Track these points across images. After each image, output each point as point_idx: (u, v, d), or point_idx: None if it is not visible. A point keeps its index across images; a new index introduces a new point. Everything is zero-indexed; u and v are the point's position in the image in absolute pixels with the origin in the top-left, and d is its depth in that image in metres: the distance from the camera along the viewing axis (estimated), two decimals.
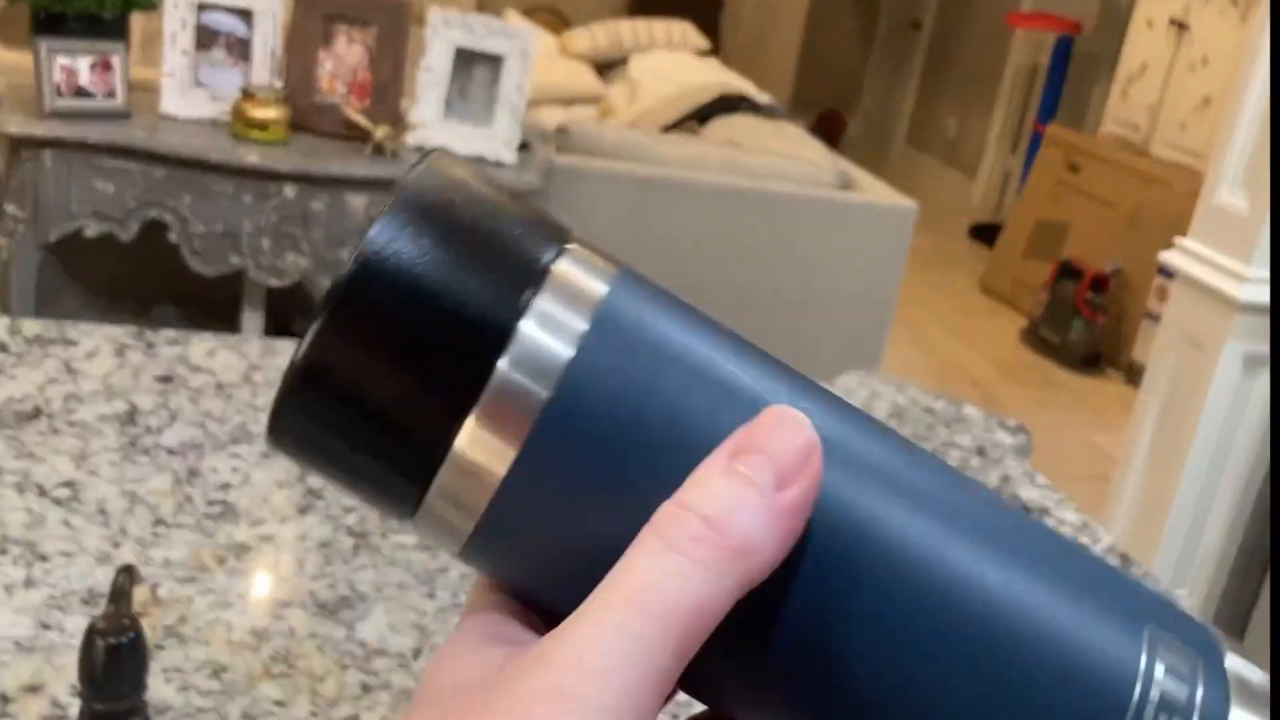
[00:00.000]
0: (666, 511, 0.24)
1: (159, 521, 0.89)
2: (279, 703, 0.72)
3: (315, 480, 0.99)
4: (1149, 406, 2.34)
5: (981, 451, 1.28)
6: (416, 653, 0.79)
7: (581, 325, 0.24)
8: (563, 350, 0.24)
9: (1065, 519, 1.15)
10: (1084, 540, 1.10)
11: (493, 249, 0.24)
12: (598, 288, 0.25)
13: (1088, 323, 4.56)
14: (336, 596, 0.84)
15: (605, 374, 0.24)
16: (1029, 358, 4.63)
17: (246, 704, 0.72)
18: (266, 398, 1.12)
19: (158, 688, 0.72)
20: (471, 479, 0.24)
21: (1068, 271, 4.65)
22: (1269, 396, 2.16)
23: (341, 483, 0.26)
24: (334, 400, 0.24)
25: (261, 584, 0.84)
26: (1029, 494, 1.19)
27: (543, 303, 0.24)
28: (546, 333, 0.24)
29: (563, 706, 0.22)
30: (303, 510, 0.94)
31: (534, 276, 0.24)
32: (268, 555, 0.88)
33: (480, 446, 0.24)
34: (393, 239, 0.23)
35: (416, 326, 0.23)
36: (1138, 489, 2.32)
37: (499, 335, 0.23)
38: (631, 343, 0.24)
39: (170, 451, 0.99)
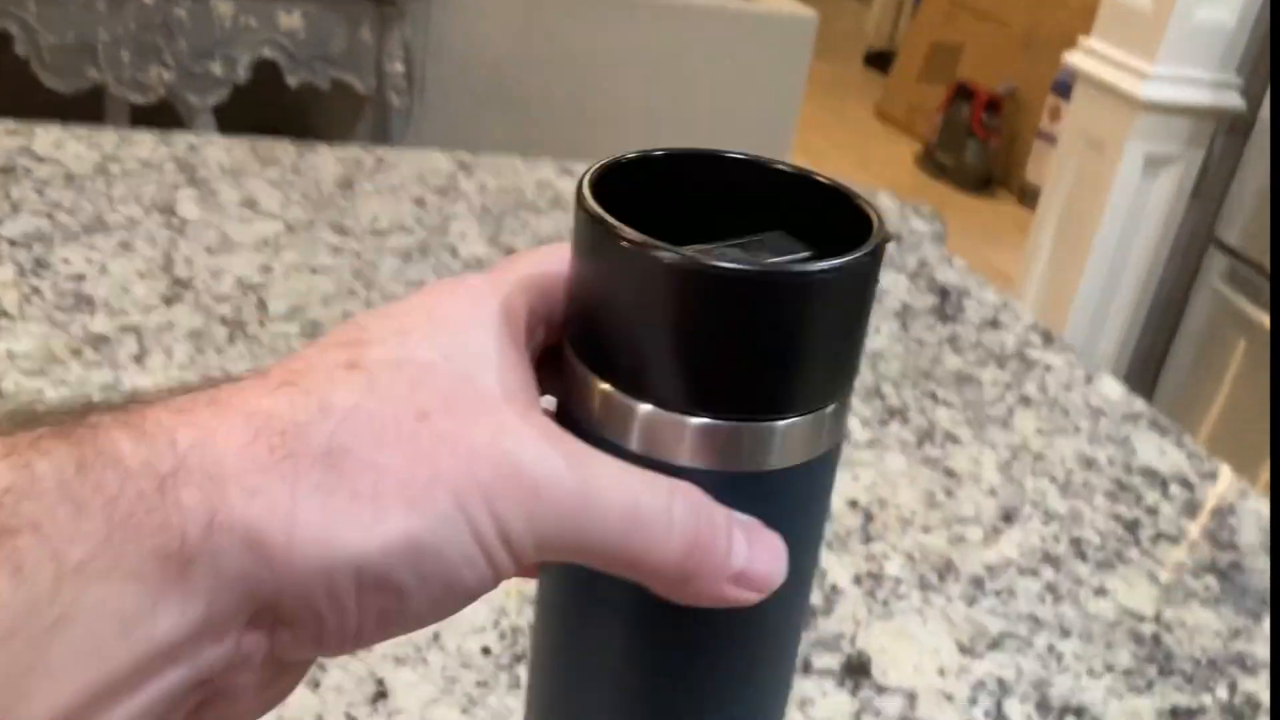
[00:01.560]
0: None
1: (1, 314, 0.79)
2: None
3: (182, 269, 0.89)
4: (1050, 212, 2.32)
5: (897, 238, 1.23)
6: None
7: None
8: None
9: (986, 299, 1.10)
10: (1003, 319, 1.06)
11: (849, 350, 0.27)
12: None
13: (982, 144, 4.55)
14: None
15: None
16: (925, 182, 4.61)
17: None
18: (125, 188, 1.00)
19: None
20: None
21: (962, 94, 4.61)
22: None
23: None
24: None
25: (123, 376, 0.75)
26: (947, 277, 1.15)
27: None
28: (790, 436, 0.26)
29: None
30: (169, 300, 0.85)
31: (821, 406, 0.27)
32: (129, 346, 0.78)
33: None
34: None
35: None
36: (1040, 296, 2.32)
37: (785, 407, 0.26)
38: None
39: (12, 243, 0.88)
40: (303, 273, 0.92)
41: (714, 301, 0.24)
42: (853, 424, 0.85)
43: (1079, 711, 0.61)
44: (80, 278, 0.85)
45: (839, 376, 0.26)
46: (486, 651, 0.58)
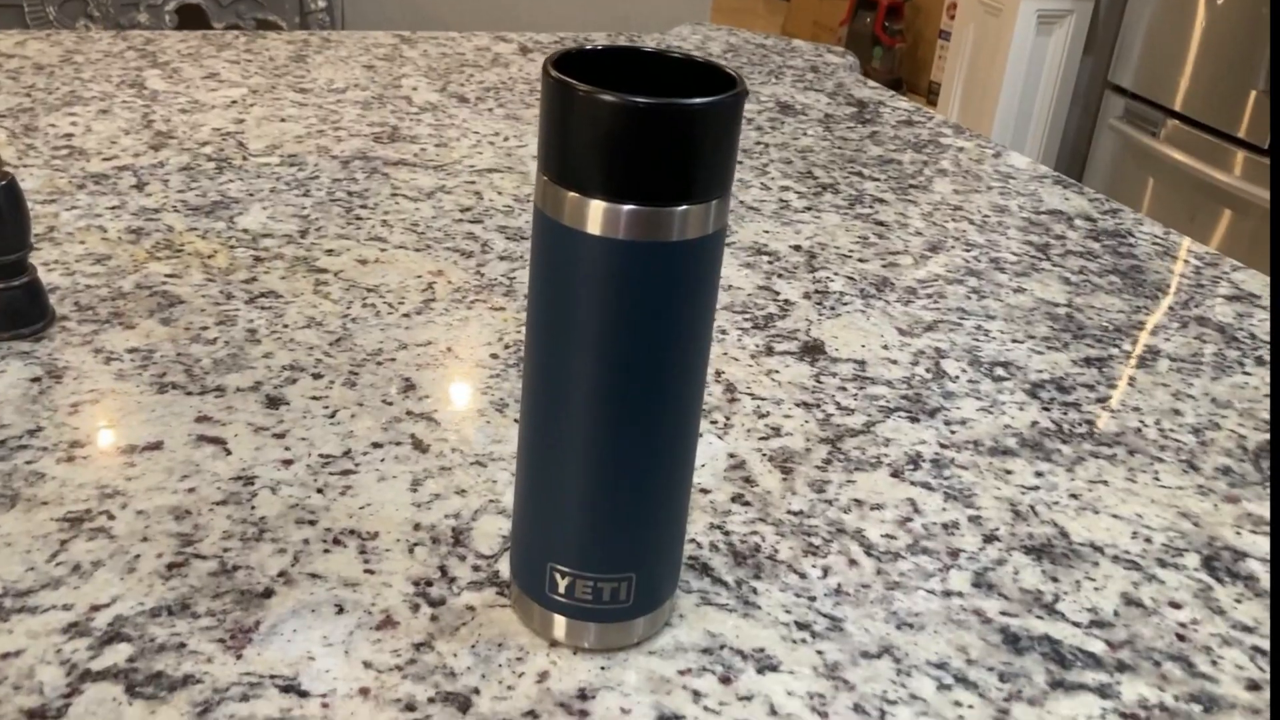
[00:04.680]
0: None
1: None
2: (171, 275, 0.72)
3: (161, 125, 0.96)
4: (954, 80, 2.43)
5: (815, 69, 1.32)
6: (303, 233, 0.79)
7: None
8: None
9: (899, 106, 1.20)
10: (917, 119, 1.16)
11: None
12: None
13: (887, 49, 4.67)
14: (208, 202, 0.83)
15: None
16: None
17: (138, 279, 0.71)
18: (93, 72, 1.07)
19: (40, 275, 0.70)
20: None
21: (863, 3, 4.73)
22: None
23: None
24: None
25: (128, 200, 0.82)
26: (862, 94, 1.24)
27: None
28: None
29: None
30: (156, 147, 0.92)
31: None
32: (126, 180, 0.85)
33: None
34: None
35: None
36: None
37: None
38: None
39: None
40: (273, 122, 0.99)
41: (637, 125, 0.37)
42: (788, 197, 0.94)
43: (1006, 364, 0.71)
44: (69, 136, 0.92)
45: (718, 179, 0.39)
46: (494, 356, 0.66)
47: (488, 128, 1.03)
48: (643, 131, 0.37)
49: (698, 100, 0.38)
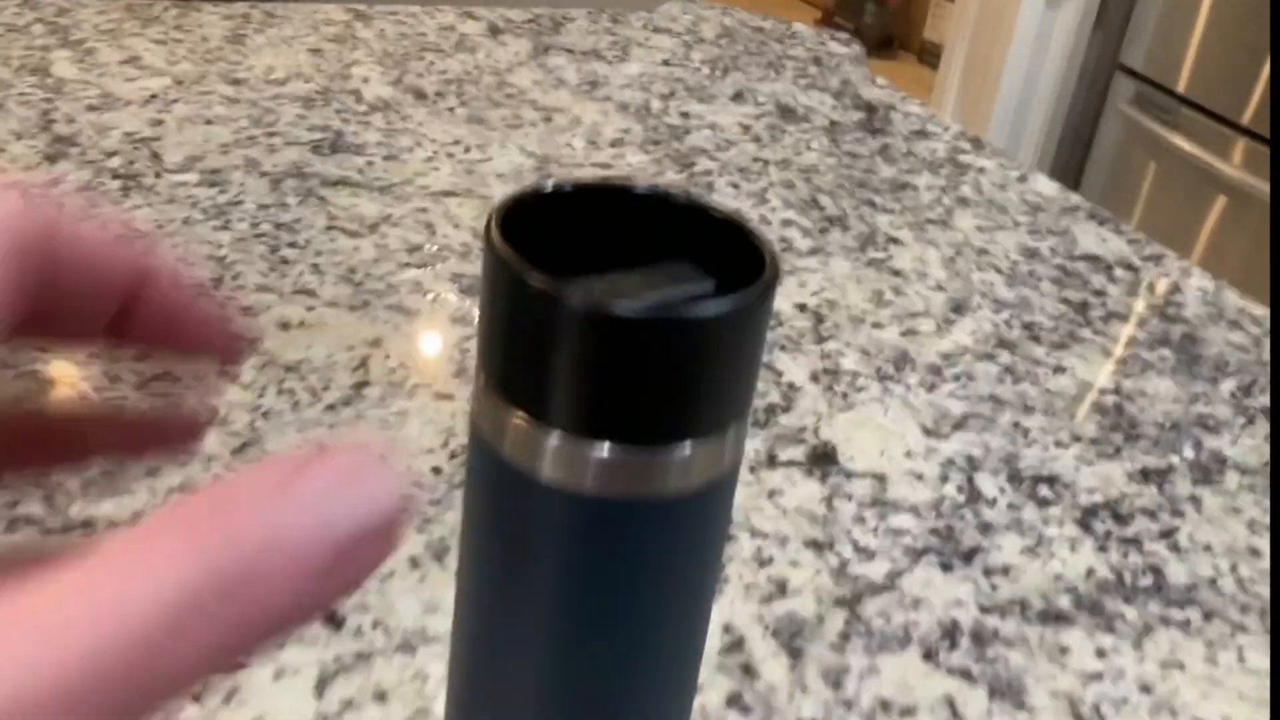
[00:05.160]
0: None
1: None
2: (42, 349, 0.59)
3: (63, 128, 0.83)
4: (956, 51, 2.30)
5: (818, 61, 1.19)
6: (215, 283, 0.66)
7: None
8: None
9: (911, 112, 1.07)
10: (931, 129, 1.04)
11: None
12: None
13: (880, 5, 4.51)
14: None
15: None
16: None
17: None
18: None
19: None
20: None
21: None
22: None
23: None
24: None
25: None
26: (872, 94, 1.11)
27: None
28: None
29: None
30: (53, 158, 0.78)
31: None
32: None
33: None
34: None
35: None
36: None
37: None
38: None
39: None
40: (197, 124, 0.86)
41: (612, 342, 0.25)
42: (792, 234, 0.82)
43: (1051, 480, 0.59)
44: None
45: (734, 402, 0.27)
46: (437, 471, 0.54)
47: (446, 134, 0.90)
48: (628, 353, 0.25)
49: (708, 309, 0.25)
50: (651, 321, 0.25)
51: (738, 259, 0.28)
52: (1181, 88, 2.04)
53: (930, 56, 4.39)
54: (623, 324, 0.24)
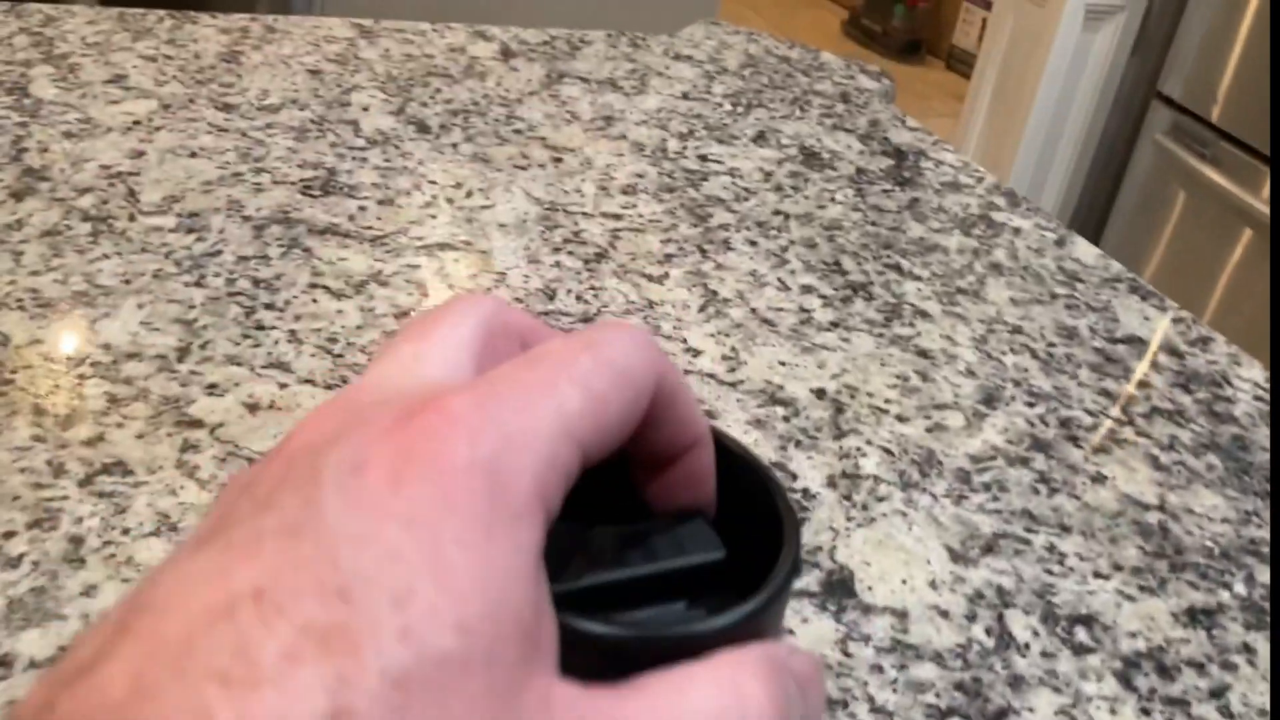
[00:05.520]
0: None
1: None
2: None
3: (35, 158, 0.77)
4: (987, 69, 2.23)
5: (845, 98, 1.13)
6: (183, 352, 0.61)
7: None
8: None
9: (943, 160, 1.01)
10: (964, 181, 0.98)
11: None
12: None
13: (909, 8, 4.42)
14: (68, 293, 0.64)
15: None
16: (852, 49, 4.48)
17: None
18: None
19: None
20: None
21: None
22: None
23: None
24: None
25: None
26: (902, 138, 1.05)
27: None
28: None
29: None
30: (19, 195, 0.73)
31: None
32: None
33: None
34: None
35: None
36: (979, 154, 2.24)
37: None
38: None
39: None
40: (180, 157, 0.80)
41: (608, 663, 0.22)
42: (813, 303, 0.76)
43: (1088, 621, 0.54)
44: None
45: None
46: None
47: (448, 175, 0.84)
48: (627, 669, 0.21)
49: (706, 624, 0.22)
50: (632, 640, 0.21)
51: (764, 513, 0.26)
52: (1215, 117, 1.97)
53: (958, 63, 4.31)
54: (606, 643, 0.21)
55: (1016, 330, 0.77)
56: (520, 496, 0.18)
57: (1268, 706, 0.51)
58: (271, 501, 0.18)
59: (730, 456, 0.26)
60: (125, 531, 0.49)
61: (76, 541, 0.48)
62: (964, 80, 4.23)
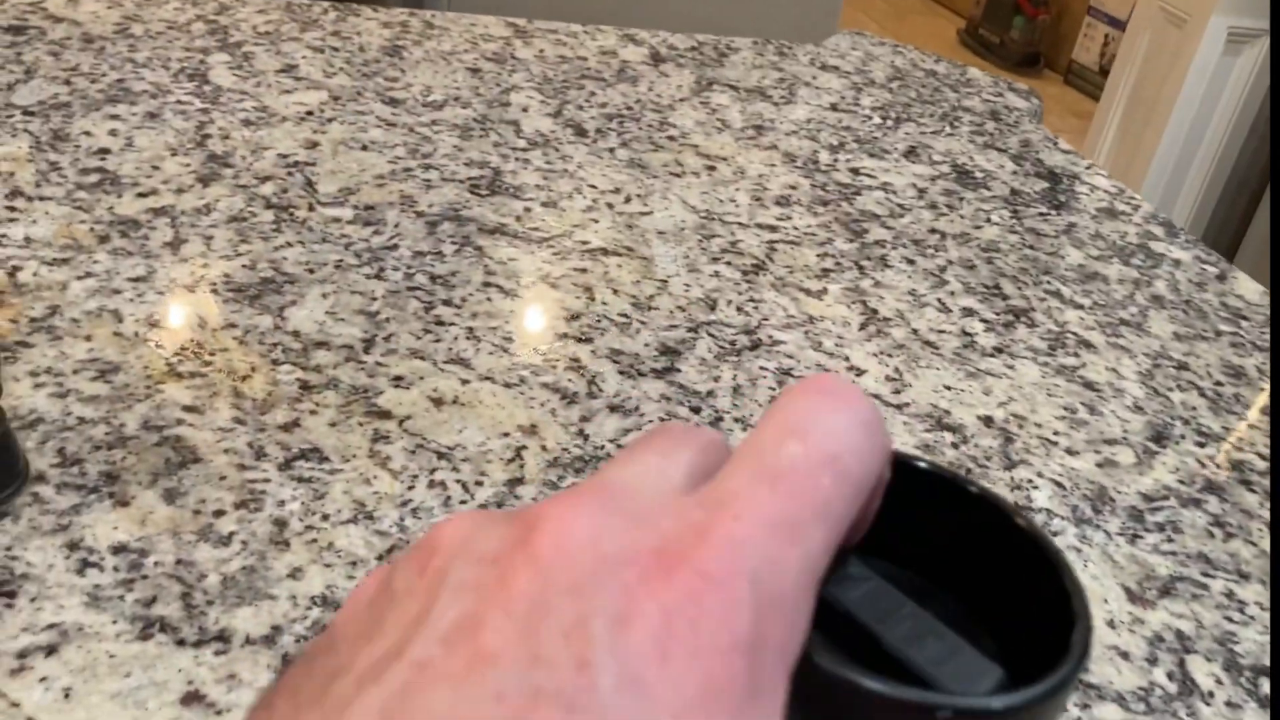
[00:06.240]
0: None
1: (15, 193, 0.69)
2: (190, 408, 0.56)
3: (218, 144, 0.79)
4: (1119, 92, 2.19)
5: (995, 116, 1.11)
6: (369, 343, 0.62)
7: None
8: None
9: (1097, 185, 1.00)
10: (1120, 207, 0.96)
11: None
12: None
13: (1029, 20, 4.35)
14: (257, 279, 0.66)
15: None
16: (968, 59, 4.42)
17: (147, 411, 0.55)
18: (150, 52, 0.90)
19: (24, 394, 0.54)
20: None
21: None
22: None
23: None
24: None
25: (157, 266, 0.66)
26: (1055, 160, 1.04)
27: None
28: None
29: None
30: (206, 180, 0.75)
31: None
32: (162, 232, 0.69)
33: None
34: None
35: None
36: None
37: None
38: None
39: (26, 112, 0.78)
40: (353, 149, 0.82)
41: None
42: (975, 326, 0.75)
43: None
44: (104, 153, 0.75)
45: None
46: None
47: (606, 180, 0.85)
48: None
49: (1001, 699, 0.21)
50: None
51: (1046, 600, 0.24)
52: None
53: (1076, 78, 4.23)
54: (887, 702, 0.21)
55: (1183, 366, 0.75)
56: (776, 671, 0.18)
57: None
58: (539, 638, 0.17)
59: (1010, 523, 0.25)
60: (325, 517, 0.50)
61: (281, 524, 0.49)
62: (1083, 96, 4.15)
